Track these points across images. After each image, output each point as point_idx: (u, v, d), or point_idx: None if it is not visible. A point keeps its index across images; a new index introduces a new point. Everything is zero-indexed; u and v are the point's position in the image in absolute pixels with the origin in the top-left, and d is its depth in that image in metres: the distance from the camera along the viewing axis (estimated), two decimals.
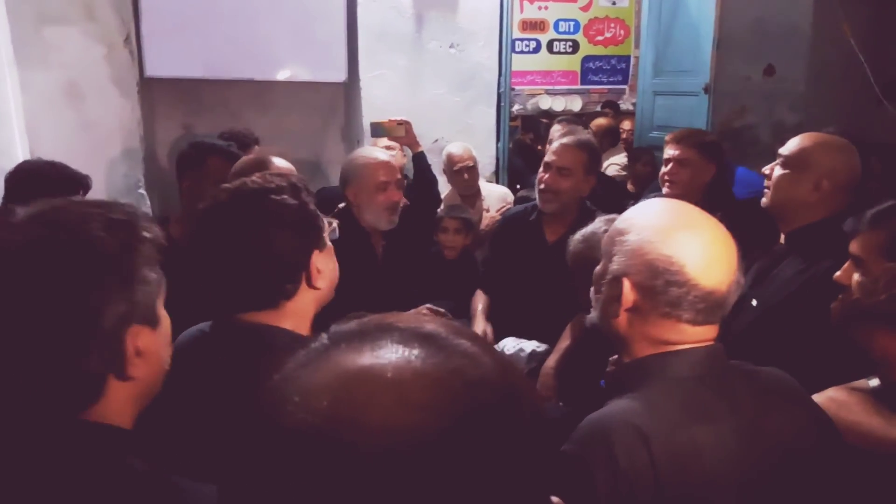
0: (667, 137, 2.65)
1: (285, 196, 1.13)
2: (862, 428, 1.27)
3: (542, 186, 2.49)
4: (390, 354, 0.45)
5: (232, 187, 1.16)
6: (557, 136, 2.58)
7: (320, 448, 0.41)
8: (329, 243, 1.24)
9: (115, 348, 0.77)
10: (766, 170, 1.93)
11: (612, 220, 1.79)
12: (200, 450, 0.87)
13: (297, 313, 1.17)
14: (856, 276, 1.49)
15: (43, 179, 2.31)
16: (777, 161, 1.90)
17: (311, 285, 1.17)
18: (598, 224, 1.85)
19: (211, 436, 0.98)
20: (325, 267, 1.20)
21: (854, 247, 1.46)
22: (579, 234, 1.86)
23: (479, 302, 2.62)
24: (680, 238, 1.02)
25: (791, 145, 1.89)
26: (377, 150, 2.62)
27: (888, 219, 1.42)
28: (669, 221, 1.05)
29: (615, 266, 1.06)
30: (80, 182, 2.35)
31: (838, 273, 1.52)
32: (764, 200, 1.93)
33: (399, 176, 2.53)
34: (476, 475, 0.41)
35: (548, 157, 2.51)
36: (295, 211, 1.14)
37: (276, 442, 0.42)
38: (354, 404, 0.42)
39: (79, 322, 0.74)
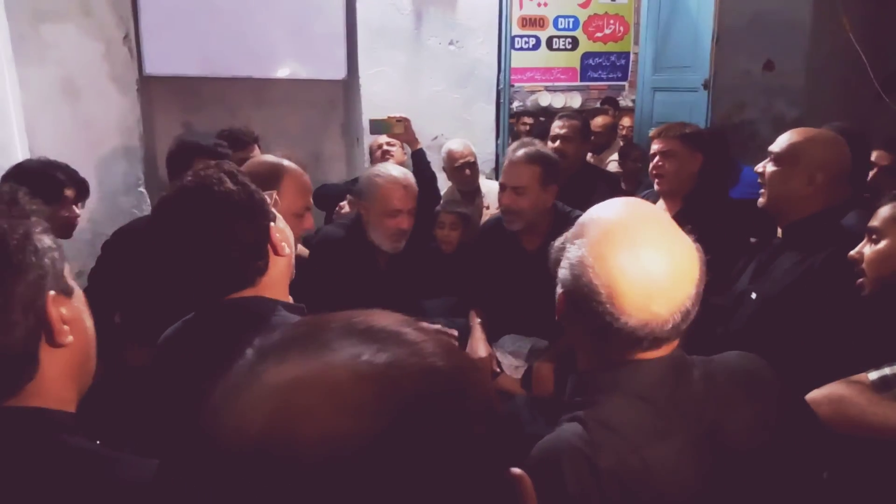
0: (650, 133, 2.66)
1: (227, 184, 1.18)
2: (864, 420, 1.29)
3: (503, 208, 2.44)
4: (320, 359, 0.42)
5: (173, 191, 1.21)
6: (509, 152, 2.47)
7: (261, 471, 0.39)
8: (276, 212, 1.29)
9: (39, 316, 0.76)
10: (758, 168, 1.94)
11: None
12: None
13: (274, 283, 1.24)
14: (867, 250, 1.54)
15: (20, 180, 2.30)
16: (768, 159, 1.91)
17: (278, 254, 1.23)
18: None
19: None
20: (282, 233, 1.26)
21: (874, 221, 1.53)
22: (559, 241, 1.85)
23: (477, 315, 2.59)
24: (615, 264, 0.94)
25: (781, 142, 1.90)
26: (399, 171, 2.54)
27: None
28: (611, 239, 0.96)
29: (561, 273, 1.03)
30: (60, 183, 2.30)
31: (852, 252, 1.57)
32: (761, 201, 1.94)
33: (413, 204, 2.47)
34: (429, 468, 0.39)
35: (501, 177, 2.45)
36: (240, 195, 1.18)
37: (218, 470, 0.40)
38: (288, 420, 0.40)
39: None
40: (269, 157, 2.01)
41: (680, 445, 0.94)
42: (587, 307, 0.95)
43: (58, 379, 0.80)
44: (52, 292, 0.78)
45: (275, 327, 1.15)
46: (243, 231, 1.17)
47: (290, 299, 1.31)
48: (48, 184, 2.28)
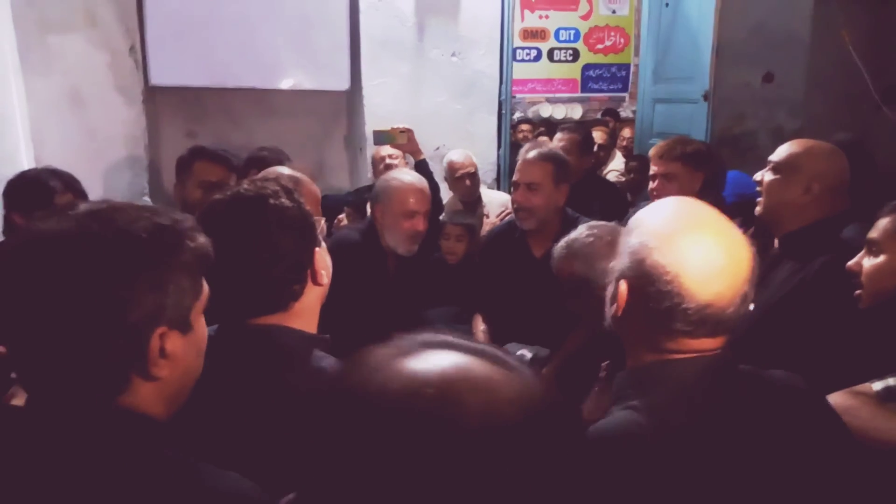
0: (650, 152, 2.64)
1: (283, 199, 1.16)
2: (869, 431, 1.29)
3: (516, 206, 2.50)
4: (475, 357, 0.55)
5: (227, 196, 1.18)
6: (522, 153, 2.55)
7: (428, 426, 0.50)
8: (321, 241, 1.26)
9: (138, 345, 0.80)
10: (757, 177, 1.95)
11: (595, 227, 1.81)
12: (219, 446, 0.91)
13: (305, 312, 1.19)
14: (866, 262, 1.54)
15: (14, 188, 2.33)
16: (767, 167, 1.93)
17: (316, 282, 1.19)
18: (580, 230, 1.86)
19: (229, 433, 0.99)
20: (324, 263, 1.22)
21: (873, 232, 1.53)
22: (563, 242, 1.87)
23: (480, 325, 2.61)
24: (679, 245, 0.97)
25: (781, 151, 1.92)
26: (414, 175, 2.60)
27: None
28: (673, 226, 1.00)
29: (618, 265, 1.05)
30: (51, 190, 2.30)
31: (851, 262, 1.57)
32: (758, 209, 1.95)
33: (428, 207, 2.52)
34: (553, 455, 0.53)
35: (514, 176, 2.51)
36: (294, 212, 1.16)
37: (378, 422, 0.51)
38: (458, 392, 0.51)
39: (103, 313, 0.77)
40: (284, 170, 2.02)
41: (729, 444, 0.96)
42: (654, 289, 0.97)
43: (150, 396, 0.83)
44: (163, 328, 0.81)
45: (310, 370, 1.13)
46: (290, 250, 1.14)
47: (316, 330, 1.26)
48: (38, 191, 2.30)
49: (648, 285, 0.98)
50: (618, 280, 1.04)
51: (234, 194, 1.17)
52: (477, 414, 0.50)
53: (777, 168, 1.90)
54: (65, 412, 0.78)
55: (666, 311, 0.97)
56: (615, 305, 1.04)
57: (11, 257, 0.79)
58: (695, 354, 1.00)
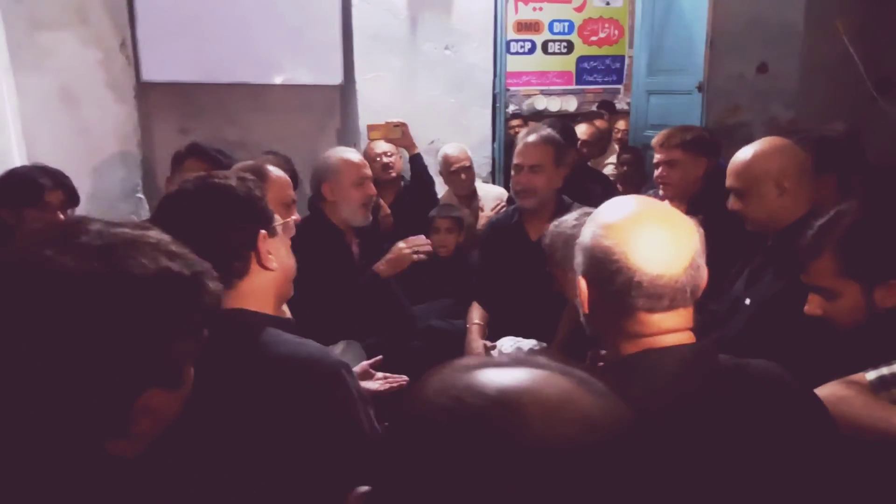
0: (652, 141, 2.67)
1: (229, 181, 1.23)
2: (862, 421, 1.29)
3: (518, 188, 2.56)
4: (554, 374, 0.57)
5: (178, 184, 1.28)
6: (522, 136, 2.65)
7: (487, 440, 0.49)
8: (281, 233, 1.31)
9: (128, 406, 0.76)
10: (730, 206, 1.95)
11: (588, 212, 1.83)
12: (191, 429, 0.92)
13: (256, 294, 1.23)
14: (826, 307, 1.49)
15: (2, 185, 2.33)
16: (731, 195, 1.92)
17: (261, 265, 1.23)
18: (573, 214, 1.90)
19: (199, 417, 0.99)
20: (276, 251, 1.26)
21: (821, 280, 1.47)
22: (553, 224, 1.93)
23: (475, 316, 2.64)
24: (622, 229, 1.04)
25: (734, 172, 1.90)
26: (349, 150, 2.73)
27: (825, 241, 1.45)
28: (617, 216, 1.07)
29: (575, 266, 1.11)
30: (41, 187, 2.30)
31: (807, 309, 1.52)
32: (747, 226, 1.96)
33: (370, 173, 2.63)
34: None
35: (516, 159, 2.57)
36: (236, 193, 1.22)
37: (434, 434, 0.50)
38: (519, 407, 0.51)
39: (141, 356, 0.75)
40: (248, 162, 2.14)
41: (710, 434, 0.97)
42: (606, 271, 1.03)
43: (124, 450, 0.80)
44: (153, 389, 0.77)
45: (267, 343, 1.18)
46: (225, 226, 1.19)
47: (280, 313, 1.31)
48: (27, 188, 2.30)
49: (602, 270, 1.04)
50: (577, 279, 1.10)
51: (182, 182, 1.26)
52: (538, 430, 0.49)
53: (740, 193, 1.89)
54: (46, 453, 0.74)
55: (620, 289, 1.02)
56: (582, 304, 1.09)
57: (29, 292, 0.72)
58: (674, 344, 1.02)
